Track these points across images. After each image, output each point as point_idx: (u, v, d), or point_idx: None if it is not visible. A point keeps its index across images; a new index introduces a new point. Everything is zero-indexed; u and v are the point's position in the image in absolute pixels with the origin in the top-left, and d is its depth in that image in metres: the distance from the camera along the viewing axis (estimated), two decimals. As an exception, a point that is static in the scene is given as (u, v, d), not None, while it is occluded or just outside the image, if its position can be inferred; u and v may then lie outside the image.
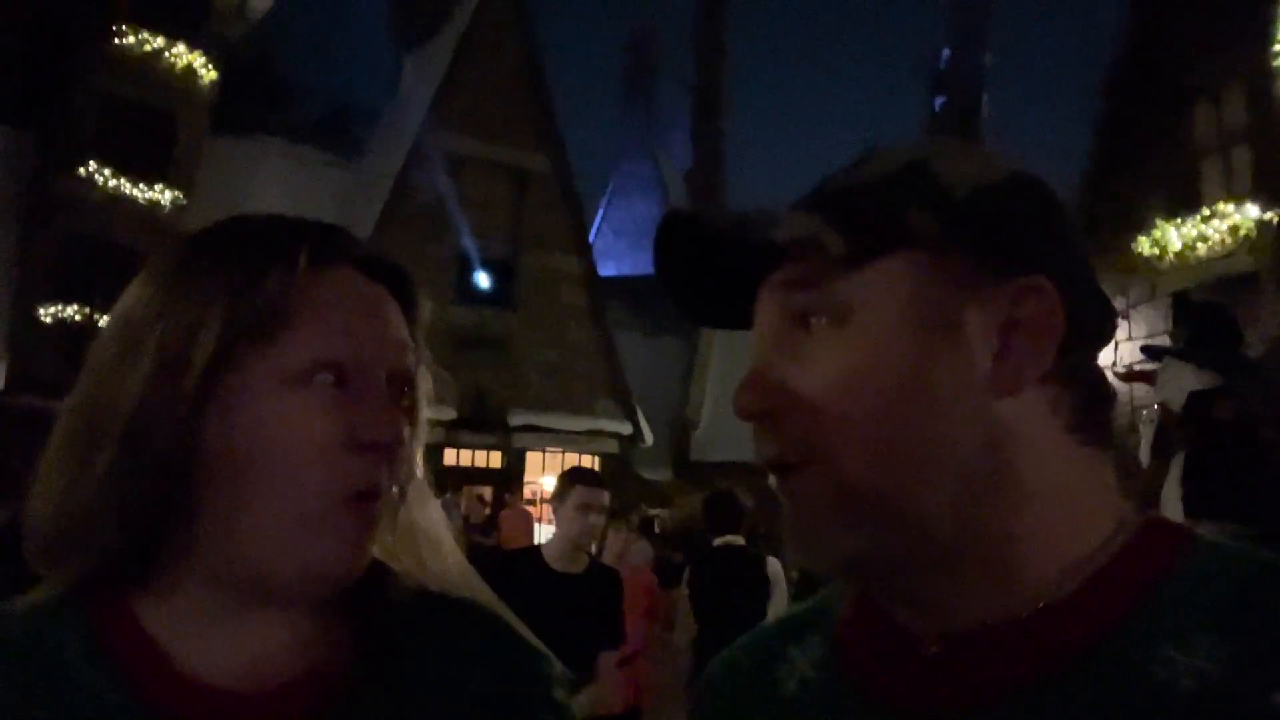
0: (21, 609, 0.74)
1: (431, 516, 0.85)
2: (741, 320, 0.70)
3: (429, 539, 0.84)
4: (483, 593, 0.86)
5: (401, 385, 0.77)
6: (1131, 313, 11.78)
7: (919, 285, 0.59)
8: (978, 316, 0.59)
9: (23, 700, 0.68)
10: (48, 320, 14.78)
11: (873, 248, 0.60)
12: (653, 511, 17.41)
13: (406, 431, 0.75)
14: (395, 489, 0.75)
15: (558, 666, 0.83)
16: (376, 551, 0.80)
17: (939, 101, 30.37)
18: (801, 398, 0.60)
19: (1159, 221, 11.45)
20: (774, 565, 5.06)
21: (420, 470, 0.83)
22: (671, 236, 0.67)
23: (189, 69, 16.49)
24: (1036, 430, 0.60)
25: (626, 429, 19.06)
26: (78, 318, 14.81)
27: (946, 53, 27.64)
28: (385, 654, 0.76)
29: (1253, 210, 10.51)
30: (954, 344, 0.59)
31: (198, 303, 0.70)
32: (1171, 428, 3.96)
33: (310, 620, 0.75)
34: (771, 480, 0.64)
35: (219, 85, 17.11)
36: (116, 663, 0.70)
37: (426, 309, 0.83)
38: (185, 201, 16.03)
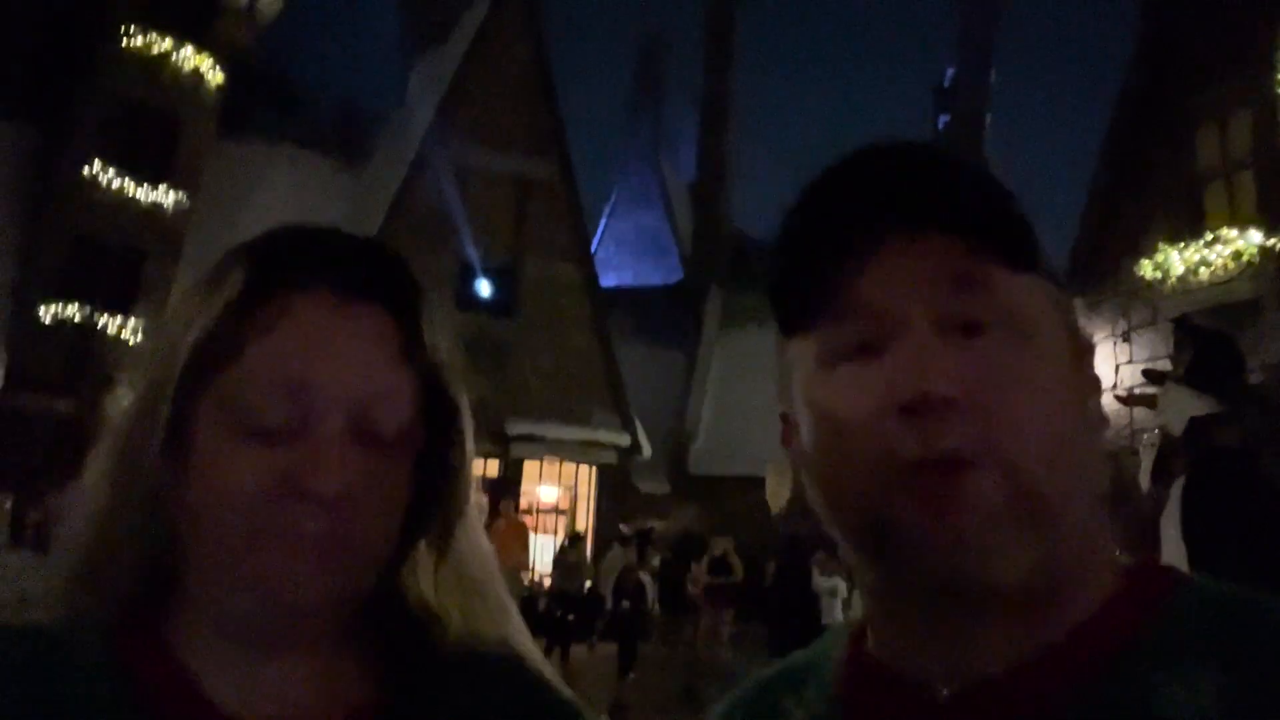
0: (38, 628, 0.71)
1: (479, 558, 0.81)
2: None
3: (475, 584, 0.80)
4: (524, 643, 0.83)
5: (370, 421, 0.68)
6: (1133, 336, 11.78)
7: (1057, 309, 0.63)
8: (1087, 347, 0.64)
9: None
10: (48, 320, 14.78)
11: (1033, 260, 0.62)
12: (649, 523, 17.40)
13: (364, 472, 0.67)
14: (361, 533, 0.68)
15: None
16: (423, 593, 0.78)
17: (943, 120, 30.46)
18: (989, 393, 0.56)
19: (1161, 245, 11.46)
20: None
21: (471, 510, 0.79)
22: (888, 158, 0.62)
23: (196, 71, 16.54)
24: None
25: (625, 440, 19.04)
26: (78, 318, 14.81)
27: (951, 71, 27.73)
28: (419, 705, 0.74)
29: (1255, 236, 10.52)
30: (1081, 368, 0.63)
31: (173, 332, 0.69)
32: (1171, 452, 3.95)
33: (341, 662, 0.73)
34: (921, 484, 0.56)
35: (226, 88, 17.17)
36: (144, 692, 0.68)
37: (436, 327, 0.73)
38: (188, 204, 16.06)
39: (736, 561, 12.74)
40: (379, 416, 0.68)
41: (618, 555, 14.07)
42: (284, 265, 0.70)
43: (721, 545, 12.95)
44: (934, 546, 0.55)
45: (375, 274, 0.72)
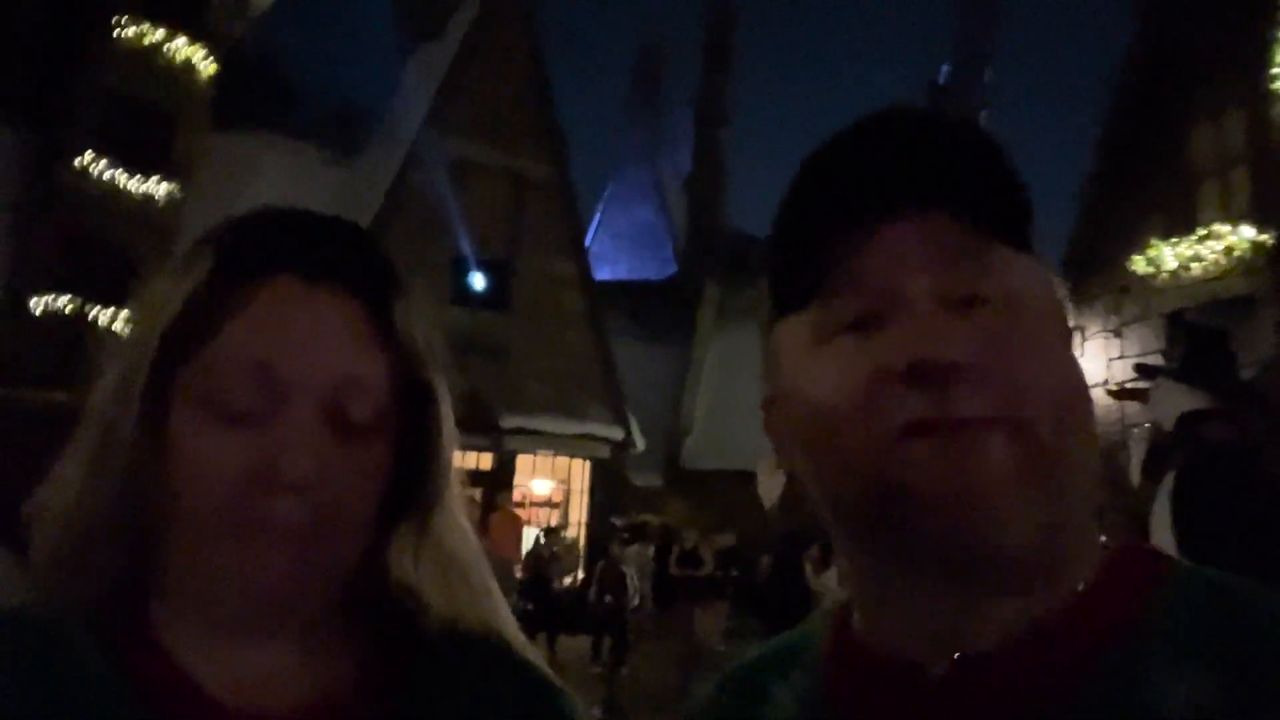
0: (25, 612, 0.71)
1: (461, 543, 0.80)
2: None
3: (457, 567, 0.80)
4: (509, 628, 0.83)
5: (342, 406, 0.68)
6: (1125, 331, 11.82)
7: (1048, 287, 0.63)
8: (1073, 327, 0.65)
9: (33, 709, 0.66)
10: (39, 312, 14.71)
11: (1028, 238, 0.62)
12: (643, 518, 17.41)
13: (337, 457, 0.68)
14: (337, 518, 0.68)
15: (580, 707, 0.82)
16: (405, 577, 0.78)
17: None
18: (997, 359, 0.56)
19: (1154, 241, 11.50)
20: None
21: (452, 494, 0.79)
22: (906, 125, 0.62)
23: (188, 63, 16.45)
24: None
25: (618, 434, 19.02)
26: (69, 310, 14.74)
27: (947, 68, 27.72)
28: (405, 688, 0.74)
29: (1248, 232, 10.55)
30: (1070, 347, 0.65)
31: (146, 318, 0.70)
32: (1162, 448, 3.97)
33: (326, 645, 0.74)
34: (931, 443, 0.55)
35: (219, 80, 17.08)
36: (133, 675, 0.68)
37: (410, 312, 0.74)
38: (180, 195, 15.99)
39: (706, 555, 12.75)
40: (350, 402, 0.69)
41: (637, 551, 14.00)
42: (252, 249, 0.70)
43: (692, 538, 12.93)
44: (946, 506, 0.54)
45: (346, 257, 0.72)
